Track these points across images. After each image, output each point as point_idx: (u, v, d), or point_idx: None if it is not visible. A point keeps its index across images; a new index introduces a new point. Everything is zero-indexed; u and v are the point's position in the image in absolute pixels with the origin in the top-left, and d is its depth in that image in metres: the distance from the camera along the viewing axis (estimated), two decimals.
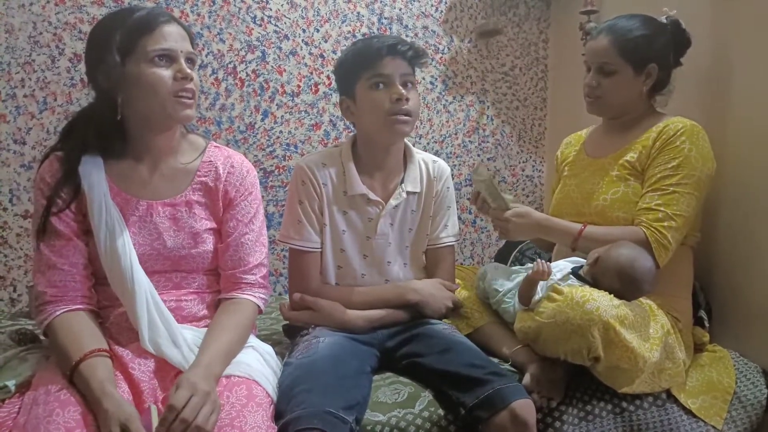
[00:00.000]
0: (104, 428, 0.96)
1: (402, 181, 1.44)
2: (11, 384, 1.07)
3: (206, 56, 2.09)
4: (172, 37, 1.13)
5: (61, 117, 1.95)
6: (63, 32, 1.94)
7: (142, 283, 1.12)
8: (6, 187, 1.94)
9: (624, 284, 1.28)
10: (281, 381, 1.18)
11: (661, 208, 1.39)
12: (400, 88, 1.34)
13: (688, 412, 1.35)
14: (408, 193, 1.43)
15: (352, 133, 1.50)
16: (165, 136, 1.20)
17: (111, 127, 1.15)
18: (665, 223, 1.38)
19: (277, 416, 1.09)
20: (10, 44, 1.90)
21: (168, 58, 1.13)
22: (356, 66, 1.36)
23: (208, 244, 1.21)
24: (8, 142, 1.93)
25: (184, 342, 1.12)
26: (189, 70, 1.14)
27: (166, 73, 1.12)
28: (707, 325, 1.55)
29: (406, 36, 2.28)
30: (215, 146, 1.28)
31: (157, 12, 1.15)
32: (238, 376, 1.10)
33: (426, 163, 1.48)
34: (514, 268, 1.53)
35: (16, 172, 1.94)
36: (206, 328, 1.18)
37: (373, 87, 1.34)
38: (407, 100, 1.34)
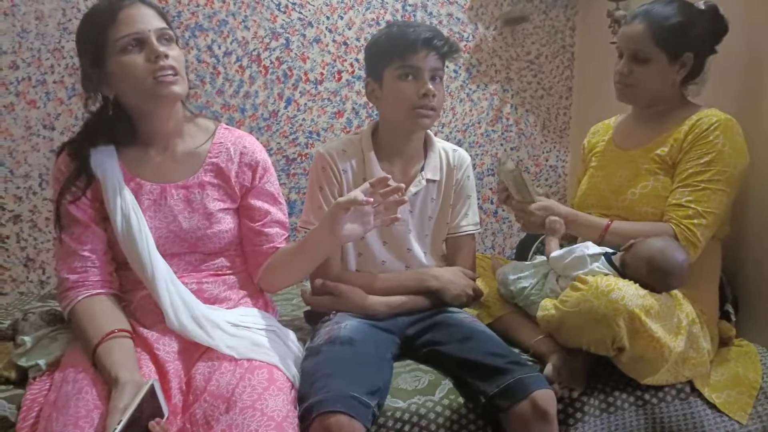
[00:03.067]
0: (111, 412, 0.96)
1: (422, 169, 1.43)
2: (42, 362, 1.10)
3: (231, 43, 2.10)
4: (134, 19, 1.09)
5: None
6: None
7: (160, 266, 1.14)
8: (36, 172, 1.98)
9: (651, 272, 1.26)
10: (303, 366, 1.19)
11: (692, 205, 1.36)
12: (429, 83, 1.32)
13: (712, 406, 1.33)
14: (428, 181, 1.43)
15: (373, 120, 1.49)
16: (165, 118, 1.19)
17: (115, 118, 1.16)
18: (695, 221, 1.35)
19: (300, 400, 1.10)
20: (40, 31, 1.93)
21: (137, 41, 1.10)
22: (388, 52, 1.35)
23: (224, 223, 1.22)
24: (38, 127, 1.97)
25: (206, 321, 1.14)
26: (161, 48, 1.10)
27: (138, 58, 1.10)
28: (733, 318, 1.52)
29: (430, 23, 2.26)
30: (225, 128, 1.28)
31: None
32: (260, 361, 1.11)
33: (446, 151, 1.47)
34: (529, 263, 1.51)
35: (46, 157, 1.98)
36: (228, 309, 1.19)
37: (402, 77, 1.34)
38: (434, 96, 1.33)
